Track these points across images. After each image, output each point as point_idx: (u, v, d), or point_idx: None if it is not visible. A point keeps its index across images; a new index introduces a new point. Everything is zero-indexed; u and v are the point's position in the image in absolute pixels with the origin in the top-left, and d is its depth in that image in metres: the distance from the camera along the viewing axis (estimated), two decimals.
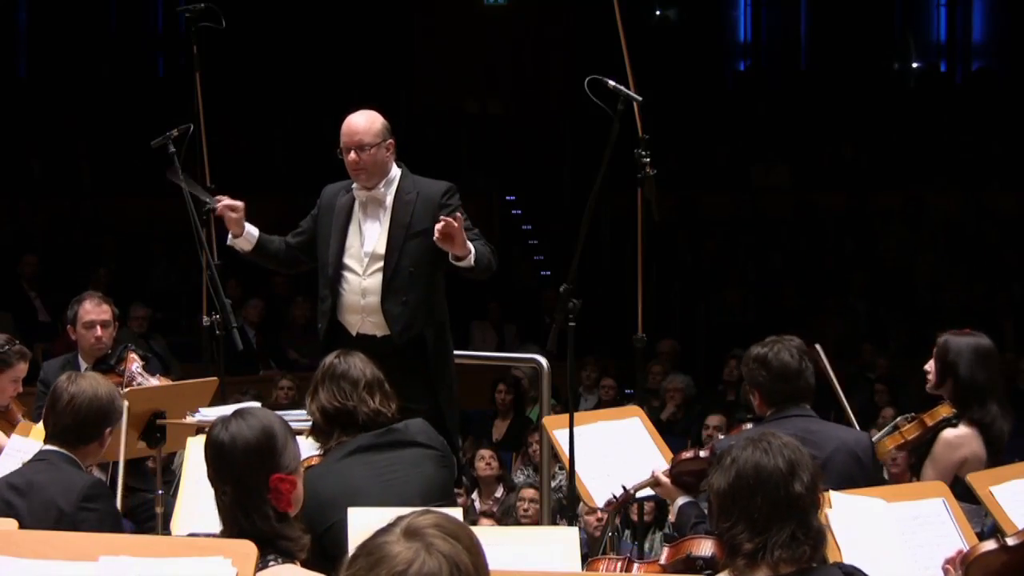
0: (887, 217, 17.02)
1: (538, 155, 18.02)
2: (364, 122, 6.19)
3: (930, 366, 5.73)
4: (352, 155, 6.15)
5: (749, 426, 5.34)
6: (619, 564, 4.21)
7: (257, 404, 5.35)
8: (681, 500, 5.09)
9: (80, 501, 4.66)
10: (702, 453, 5.09)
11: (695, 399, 11.67)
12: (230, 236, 6.34)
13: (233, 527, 3.63)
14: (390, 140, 6.22)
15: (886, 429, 5.79)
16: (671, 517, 5.25)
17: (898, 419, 5.80)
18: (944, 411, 5.62)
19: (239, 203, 6.29)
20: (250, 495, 3.62)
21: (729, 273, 16.27)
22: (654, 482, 5.18)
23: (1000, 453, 5.54)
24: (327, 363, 4.76)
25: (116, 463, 5.71)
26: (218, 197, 6.31)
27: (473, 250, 5.98)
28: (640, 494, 5.50)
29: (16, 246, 14.58)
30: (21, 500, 4.68)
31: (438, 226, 5.87)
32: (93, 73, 17.84)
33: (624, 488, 5.33)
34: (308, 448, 4.64)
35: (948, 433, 5.58)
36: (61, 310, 7.19)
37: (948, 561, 4.10)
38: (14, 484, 4.78)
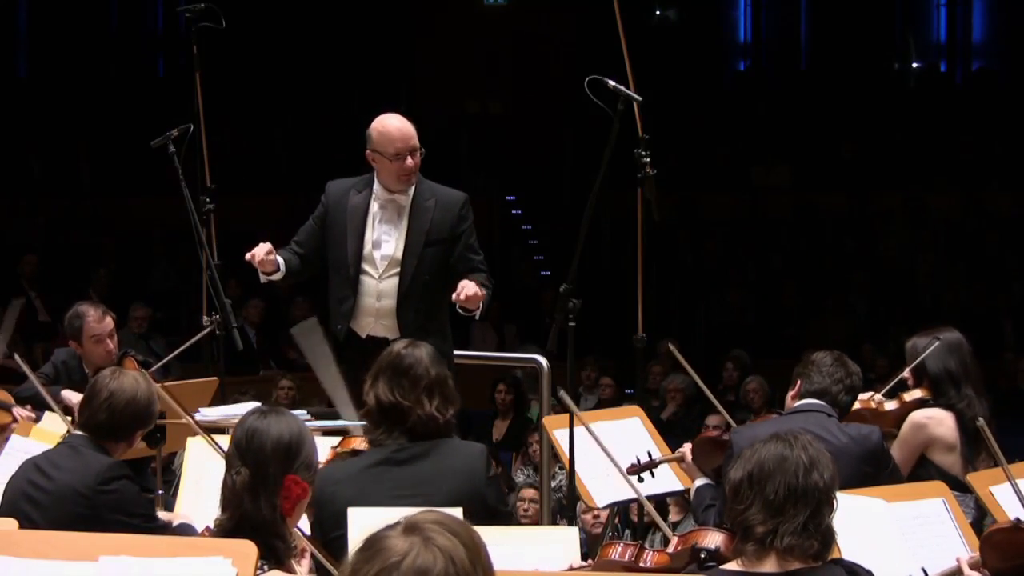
0: (887, 217, 17.02)
1: (538, 155, 18.02)
2: (410, 126, 6.21)
3: (907, 372, 5.80)
4: (409, 160, 6.16)
5: (775, 416, 5.40)
6: (630, 550, 4.22)
7: (258, 404, 5.36)
8: (700, 481, 5.20)
9: (98, 484, 4.70)
10: (725, 436, 5.17)
11: (695, 399, 11.66)
12: (262, 275, 6.29)
13: (235, 510, 3.65)
14: None
15: (865, 397, 5.81)
16: (691, 497, 5.35)
17: (879, 396, 5.84)
18: (921, 392, 5.70)
19: (268, 245, 6.20)
20: (264, 482, 3.66)
21: (729, 273, 16.27)
22: (680, 457, 5.31)
23: (979, 439, 5.57)
24: (395, 351, 4.58)
25: None
26: (251, 254, 6.15)
27: (482, 306, 6.08)
28: (643, 493, 5.54)
29: (16, 246, 14.58)
30: (46, 482, 4.73)
31: (462, 295, 5.93)
32: (93, 73, 17.84)
33: (649, 455, 5.40)
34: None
35: (917, 413, 5.68)
36: (61, 310, 7.16)
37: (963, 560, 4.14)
38: (40, 466, 4.83)
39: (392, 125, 6.17)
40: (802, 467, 3.57)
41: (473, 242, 6.27)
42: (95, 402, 4.87)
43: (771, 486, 3.55)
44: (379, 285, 6.22)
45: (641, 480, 5.48)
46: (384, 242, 6.23)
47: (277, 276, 6.32)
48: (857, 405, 5.65)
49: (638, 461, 5.47)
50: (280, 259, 6.29)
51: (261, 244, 6.20)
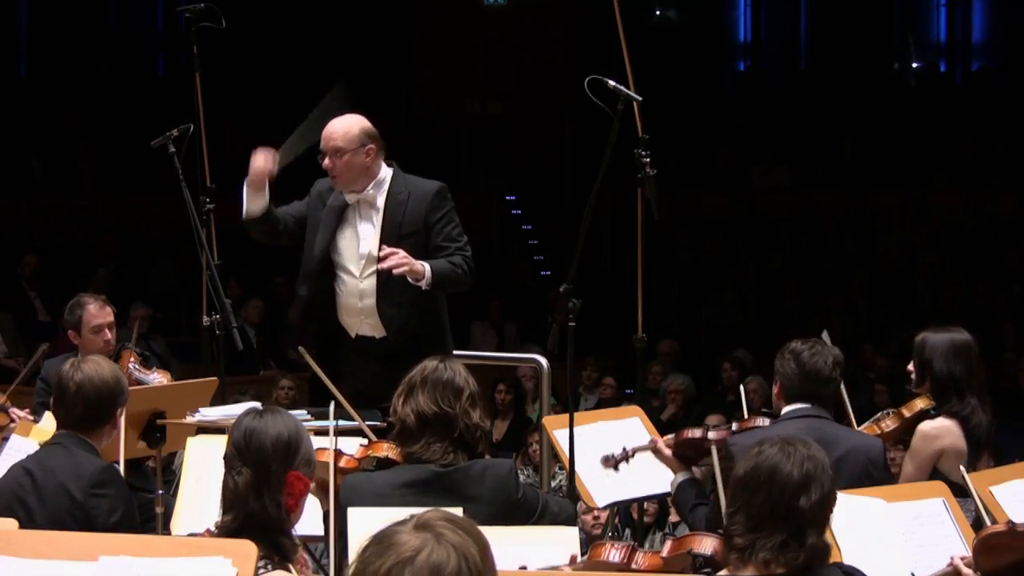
0: (887, 217, 17.02)
1: (538, 155, 18.02)
2: (341, 127, 6.17)
3: (912, 365, 5.76)
4: (327, 161, 6.16)
5: (764, 420, 5.37)
6: (622, 551, 4.21)
7: (257, 404, 5.36)
8: (681, 476, 5.18)
9: (90, 487, 4.71)
10: (710, 435, 5.15)
11: (695, 399, 11.67)
12: (246, 193, 6.24)
13: (240, 511, 3.65)
14: (371, 145, 6.17)
15: (867, 423, 5.80)
16: (671, 489, 5.32)
17: (879, 414, 5.82)
18: (921, 403, 5.67)
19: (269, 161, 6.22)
20: (268, 480, 3.66)
21: (729, 273, 16.27)
22: (654, 448, 5.30)
23: (981, 446, 5.56)
24: (429, 367, 4.57)
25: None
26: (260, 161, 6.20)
27: (429, 272, 5.99)
28: (644, 493, 5.55)
29: (16, 246, 14.57)
30: (34, 484, 4.74)
31: (383, 265, 5.91)
32: (93, 73, 17.84)
33: (624, 448, 5.40)
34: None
35: (925, 425, 5.62)
36: (61, 310, 7.14)
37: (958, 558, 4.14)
38: (29, 468, 4.85)
39: (327, 124, 6.19)
40: (790, 487, 3.51)
41: (451, 230, 6.18)
42: (67, 398, 4.90)
43: (757, 499, 3.52)
44: (360, 284, 6.20)
45: (617, 470, 5.46)
46: (363, 241, 6.22)
47: (259, 205, 6.24)
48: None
49: (612, 456, 5.45)
50: (267, 194, 6.25)
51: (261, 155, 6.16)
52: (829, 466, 3.62)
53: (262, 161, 6.20)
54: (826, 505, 3.57)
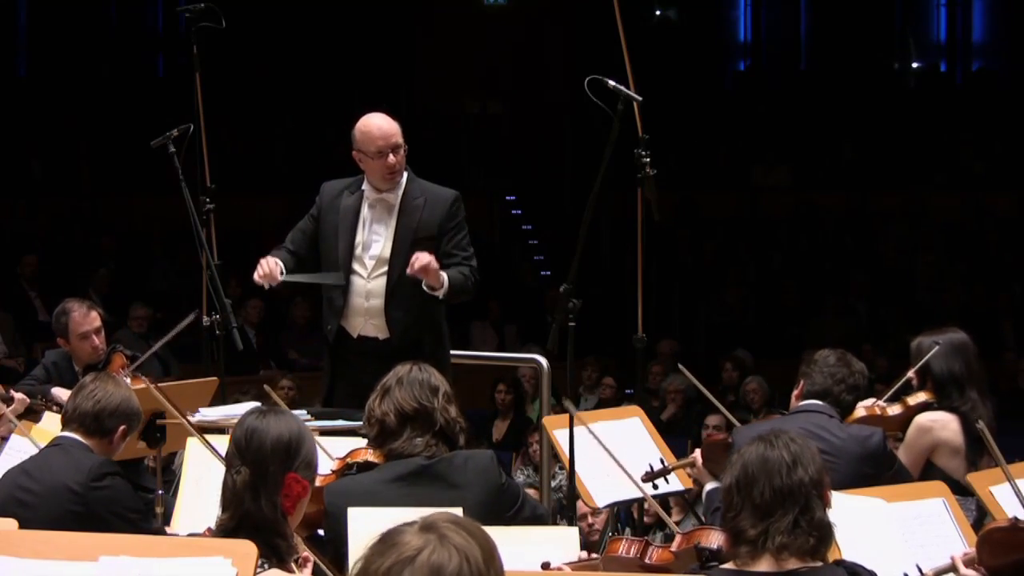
0: (887, 217, 17.02)
1: (538, 155, 18.02)
2: (393, 123, 6.19)
3: (912, 371, 5.77)
4: (391, 157, 6.14)
5: (778, 416, 5.42)
6: (635, 546, 4.25)
7: (257, 404, 5.37)
8: (710, 485, 5.23)
9: (91, 480, 4.75)
10: (731, 440, 5.21)
11: (695, 399, 11.65)
12: (267, 285, 6.27)
13: (236, 510, 3.66)
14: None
15: (867, 402, 5.78)
16: (703, 500, 5.39)
17: (884, 401, 5.82)
18: (924, 395, 5.68)
19: (269, 258, 6.24)
20: (265, 480, 3.67)
21: (729, 273, 16.27)
22: (691, 463, 5.35)
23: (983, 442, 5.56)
24: (403, 370, 4.61)
25: None
26: (263, 274, 6.16)
27: (446, 282, 6.01)
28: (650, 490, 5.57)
29: (16, 246, 14.57)
30: (35, 484, 4.78)
31: (415, 264, 5.91)
32: (93, 73, 17.84)
33: (662, 462, 5.50)
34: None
35: (921, 417, 5.66)
36: None
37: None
38: (28, 469, 4.89)
39: (373, 124, 6.16)
40: (785, 466, 3.58)
41: (461, 239, 6.22)
42: (82, 394, 5.00)
43: (756, 490, 3.56)
44: (368, 285, 6.21)
45: (656, 487, 5.51)
46: (374, 242, 6.23)
47: (278, 281, 6.31)
48: (862, 412, 5.65)
49: (651, 468, 5.50)
50: (280, 264, 6.29)
51: (263, 261, 6.19)
52: (813, 446, 3.69)
53: (267, 272, 6.14)
54: (823, 478, 3.63)
